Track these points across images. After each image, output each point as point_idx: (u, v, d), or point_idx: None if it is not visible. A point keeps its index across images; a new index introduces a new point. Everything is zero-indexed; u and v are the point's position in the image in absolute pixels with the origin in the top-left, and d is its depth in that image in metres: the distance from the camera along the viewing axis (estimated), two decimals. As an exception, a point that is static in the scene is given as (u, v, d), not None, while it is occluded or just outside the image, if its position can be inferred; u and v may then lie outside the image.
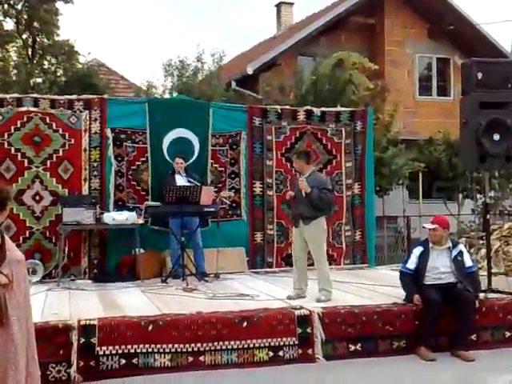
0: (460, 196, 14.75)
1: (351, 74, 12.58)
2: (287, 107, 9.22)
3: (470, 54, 13.07)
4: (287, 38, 16.12)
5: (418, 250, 5.71)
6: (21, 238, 7.48)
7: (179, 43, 36.34)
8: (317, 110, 8.97)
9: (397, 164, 12.51)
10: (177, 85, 14.13)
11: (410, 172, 13.20)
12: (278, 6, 19.24)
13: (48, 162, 7.72)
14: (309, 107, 9.15)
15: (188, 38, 38.87)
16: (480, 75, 6.34)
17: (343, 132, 8.98)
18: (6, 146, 7.59)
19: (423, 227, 5.78)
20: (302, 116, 8.87)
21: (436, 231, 5.67)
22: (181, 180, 7.68)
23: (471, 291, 5.54)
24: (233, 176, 8.55)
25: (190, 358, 5.02)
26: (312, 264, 6.37)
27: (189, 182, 7.67)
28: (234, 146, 8.56)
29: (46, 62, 13.91)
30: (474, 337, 5.64)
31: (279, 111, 8.84)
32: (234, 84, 14.74)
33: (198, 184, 7.61)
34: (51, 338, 4.76)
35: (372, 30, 16.57)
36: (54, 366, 4.74)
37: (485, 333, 5.71)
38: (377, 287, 6.76)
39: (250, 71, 14.76)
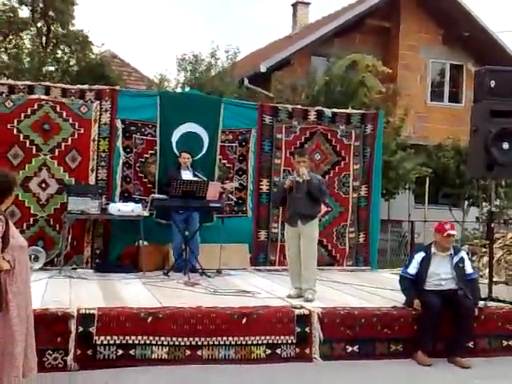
0: (465, 203, 14.69)
1: (364, 76, 12.54)
2: (298, 107, 9.22)
3: (483, 62, 13.04)
4: (302, 37, 16.09)
5: (419, 256, 5.68)
6: (25, 225, 7.52)
7: (194, 38, 36.41)
8: (328, 111, 8.97)
9: (404, 168, 12.47)
10: (189, 79, 14.15)
11: (418, 177, 13.15)
12: (295, 5, 19.22)
13: (56, 151, 7.76)
14: (320, 108, 9.15)
15: (203, 34, 38.93)
16: (493, 83, 6.30)
17: (353, 134, 8.96)
18: (15, 132, 7.62)
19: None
20: (312, 116, 8.87)
21: (454, 237, 5.68)
22: (187, 175, 7.70)
23: (471, 298, 5.53)
24: (240, 173, 8.56)
25: (188, 352, 5.03)
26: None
27: (195, 176, 7.69)
28: (244, 143, 8.57)
29: (59, 51, 13.93)
30: (471, 344, 5.62)
31: (290, 110, 8.84)
32: (246, 81, 14.74)
33: (205, 179, 7.63)
34: (50, 325, 4.78)
35: (387, 33, 16.52)
36: (50, 353, 4.76)
37: (482, 341, 5.69)
38: (377, 290, 6.75)
39: (263, 69, 14.76)
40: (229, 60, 14.72)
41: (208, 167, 8.25)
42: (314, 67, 14.74)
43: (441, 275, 5.57)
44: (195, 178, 7.65)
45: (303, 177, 6.09)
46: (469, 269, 5.69)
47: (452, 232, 5.64)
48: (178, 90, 14.11)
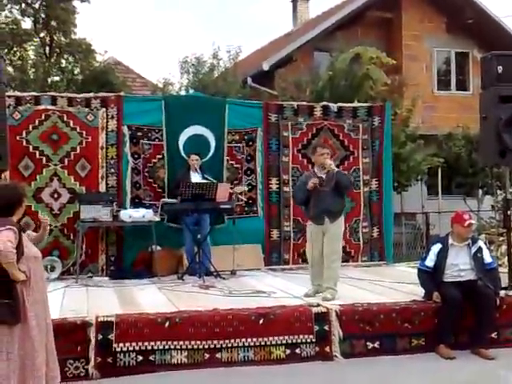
0: (480, 192, 14.56)
1: (368, 68, 12.43)
2: (303, 103, 9.17)
3: (489, 48, 12.86)
4: (303, 33, 16.01)
5: (436, 247, 5.61)
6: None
7: (195, 40, 36.41)
8: (333, 106, 8.91)
9: (415, 160, 12.36)
10: (193, 82, 14.13)
11: (429, 168, 13.04)
12: (294, 1, 19.13)
13: (66, 160, 7.79)
14: (325, 103, 9.09)
15: (204, 35, 38.95)
16: (500, 69, 6.23)
17: (360, 128, 8.89)
18: (24, 143, 7.66)
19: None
20: (318, 112, 8.81)
21: (473, 226, 5.63)
22: (196, 177, 7.68)
23: (491, 288, 5.45)
24: (249, 173, 8.53)
25: (207, 355, 5.02)
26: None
27: (204, 178, 7.67)
28: (250, 143, 8.54)
29: (63, 61, 13.95)
30: (494, 335, 5.55)
31: (295, 107, 8.80)
32: (249, 80, 14.67)
33: (214, 181, 7.60)
34: (69, 334, 4.78)
35: (389, 24, 16.40)
36: (71, 362, 4.76)
37: (505, 330, 5.61)
38: (395, 284, 6.68)
39: (265, 67, 14.70)
40: (231, 60, 14.69)
41: (216, 169, 8.23)
42: (317, 62, 14.64)
43: (459, 266, 5.50)
44: (204, 181, 7.63)
45: (331, 167, 5.99)
46: (488, 258, 5.62)
47: (472, 221, 5.59)
48: (182, 93, 14.10)
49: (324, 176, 6.05)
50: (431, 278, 5.57)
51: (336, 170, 6.06)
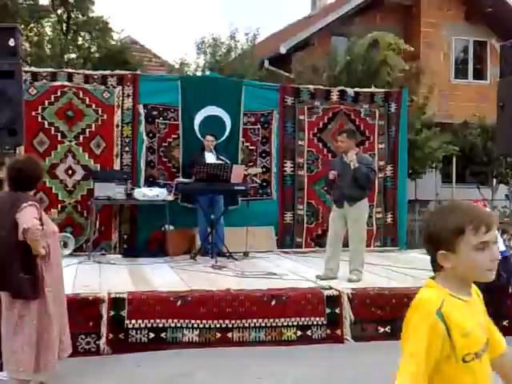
0: (494, 181, 14.48)
1: (386, 54, 12.34)
2: (320, 87, 9.10)
3: (507, 38, 12.68)
4: (321, 17, 15.88)
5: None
6: (53, 211, 7.56)
7: (212, 21, 36.13)
8: (350, 91, 8.85)
9: (430, 147, 12.29)
10: (209, 63, 14.07)
11: (444, 156, 12.97)
12: (313, -15, 18.96)
13: (81, 137, 7.79)
14: (342, 87, 9.02)
15: (222, 17, 38.67)
16: (520, 57, 6.16)
17: (377, 113, 8.84)
18: (39, 119, 7.67)
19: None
20: (335, 96, 8.76)
21: None
22: (210, 158, 7.67)
23: (504, 276, 5.42)
24: (264, 155, 8.51)
25: (218, 335, 5.05)
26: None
27: (218, 159, 7.66)
28: (266, 125, 8.50)
29: (80, 38, 13.97)
30: (505, 323, 5.53)
31: (312, 91, 8.74)
32: (266, 63, 14.61)
33: (229, 162, 7.58)
34: (81, 310, 4.82)
35: (408, 11, 16.21)
36: (83, 337, 4.82)
37: (517, 319, 5.59)
38: (407, 270, 6.67)
39: (283, 50, 14.61)
40: (249, 42, 14.60)
41: (231, 150, 8.21)
42: (335, 47, 14.53)
43: (472, 253, 5.46)
44: (219, 161, 7.61)
45: (352, 162, 5.99)
46: (501, 246, 5.56)
47: (487, 210, 5.53)
48: (198, 73, 14.05)
49: (348, 161, 6.07)
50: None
51: (356, 166, 5.98)
